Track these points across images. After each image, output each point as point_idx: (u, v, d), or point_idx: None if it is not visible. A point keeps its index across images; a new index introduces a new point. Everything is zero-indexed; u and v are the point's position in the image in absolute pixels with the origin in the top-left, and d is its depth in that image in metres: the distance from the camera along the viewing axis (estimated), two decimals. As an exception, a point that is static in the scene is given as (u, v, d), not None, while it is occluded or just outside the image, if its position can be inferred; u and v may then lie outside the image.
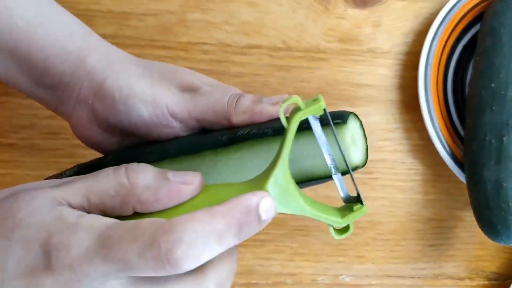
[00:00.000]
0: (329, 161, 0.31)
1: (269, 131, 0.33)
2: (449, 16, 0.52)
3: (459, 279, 0.54)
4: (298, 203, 0.29)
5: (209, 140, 0.35)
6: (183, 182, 0.29)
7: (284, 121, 0.29)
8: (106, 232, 0.26)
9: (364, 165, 0.32)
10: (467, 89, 0.53)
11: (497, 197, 0.46)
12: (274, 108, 0.35)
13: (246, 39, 0.53)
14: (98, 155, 0.46)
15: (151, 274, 0.26)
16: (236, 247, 0.29)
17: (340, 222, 0.31)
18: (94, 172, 0.30)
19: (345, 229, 0.31)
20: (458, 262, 0.54)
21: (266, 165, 0.30)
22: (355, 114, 0.33)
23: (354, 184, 0.31)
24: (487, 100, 0.48)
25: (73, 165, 0.51)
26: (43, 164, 0.51)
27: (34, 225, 0.27)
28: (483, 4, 0.53)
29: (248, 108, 0.35)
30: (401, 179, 0.54)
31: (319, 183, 0.34)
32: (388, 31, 0.54)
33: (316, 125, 0.30)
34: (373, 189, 0.53)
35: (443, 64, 0.53)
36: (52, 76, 0.38)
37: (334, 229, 0.31)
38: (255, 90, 0.53)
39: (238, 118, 0.36)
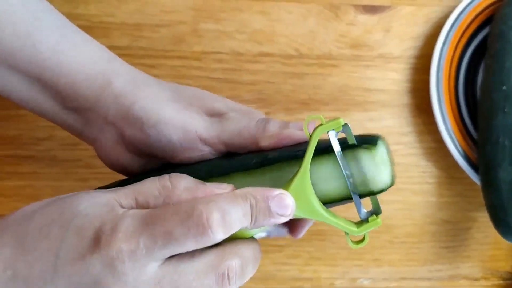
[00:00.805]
0: (348, 183, 0.33)
1: (300, 153, 0.34)
2: (459, 20, 0.53)
3: (474, 280, 0.54)
4: (317, 209, 0.33)
5: (239, 163, 0.36)
6: (218, 187, 0.32)
7: (307, 133, 0.33)
8: (149, 214, 0.30)
9: (390, 186, 0.34)
10: (478, 92, 0.53)
11: (512, 198, 0.46)
12: (301, 132, 0.36)
13: (258, 47, 0.54)
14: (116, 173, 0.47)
15: (193, 243, 0.29)
16: (256, 241, 0.33)
17: (356, 232, 0.34)
18: (143, 181, 0.33)
19: (362, 240, 0.34)
20: (473, 262, 0.54)
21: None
22: (383, 138, 0.34)
23: (375, 199, 0.34)
24: (499, 102, 0.48)
25: (92, 176, 0.52)
26: (62, 175, 0.52)
27: (90, 216, 0.30)
28: (491, 8, 0.54)
29: (275, 133, 0.36)
30: (416, 182, 0.54)
31: (338, 204, 0.36)
32: (398, 36, 0.55)
33: (335, 142, 0.33)
34: (388, 193, 0.53)
35: (454, 67, 0.53)
36: (79, 100, 0.39)
37: (351, 240, 0.34)
38: (268, 97, 0.53)
39: (265, 142, 0.36)
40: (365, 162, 0.33)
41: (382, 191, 0.34)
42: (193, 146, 0.38)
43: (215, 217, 0.29)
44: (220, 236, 0.29)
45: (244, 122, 0.37)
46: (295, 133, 0.36)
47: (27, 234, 0.31)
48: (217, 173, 0.36)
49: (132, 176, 0.40)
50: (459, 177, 0.54)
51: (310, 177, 0.32)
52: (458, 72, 0.54)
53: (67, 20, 0.40)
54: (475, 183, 0.52)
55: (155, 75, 0.52)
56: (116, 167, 0.41)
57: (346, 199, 0.34)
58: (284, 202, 0.31)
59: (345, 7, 0.54)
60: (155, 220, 0.29)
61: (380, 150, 0.33)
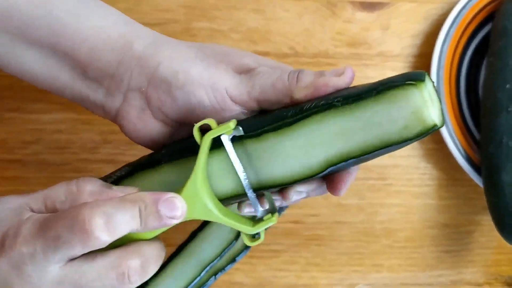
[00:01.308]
0: (242, 178, 0.33)
1: (339, 100, 0.32)
2: (460, 17, 0.52)
3: (477, 285, 0.53)
4: (211, 211, 0.33)
5: (273, 118, 0.34)
6: (122, 191, 0.34)
7: (198, 139, 0.33)
8: (45, 219, 0.31)
9: (442, 124, 0.32)
10: (480, 91, 0.52)
11: (517, 201, 0.45)
12: (339, 78, 0.34)
13: (253, 46, 0.53)
14: (111, 167, 0.45)
15: (81, 247, 0.30)
16: (158, 240, 0.34)
17: (250, 230, 0.34)
18: (53, 186, 0.35)
19: (257, 237, 0.34)
20: (476, 267, 0.53)
21: (336, 139, 0.32)
22: (428, 74, 0.32)
23: (269, 197, 0.35)
24: (503, 101, 0.47)
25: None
26: (50, 180, 0.50)
27: (1, 221, 0.32)
28: (493, 4, 0.52)
29: (310, 82, 0.34)
30: (416, 185, 0.53)
31: (239, 200, 0.36)
32: (397, 33, 0.54)
33: (228, 145, 0.33)
34: (387, 195, 0.52)
35: (455, 65, 0.52)
36: (98, 67, 0.37)
37: (248, 237, 0.34)
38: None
39: (300, 93, 0.34)
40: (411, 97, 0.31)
41: (435, 127, 0.31)
42: (224, 106, 0.35)
43: (98, 222, 0.30)
44: (105, 239, 0.30)
45: (275, 75, 0.35)
46: (332, 80, 0.34)
47: None
48: (249, 134, 0.34)
49: (162, 147, 0.38)
50: (461, 179, 0.53)
51: (210, 174, 0.34)
52: (460, 71, 0.52)
53: None
54: (477, 185, 0.51)
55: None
56: (143, 139, 0.38)
57: (242, 195, 0.34)
58: (174, 205, 0.32)
59: (342, 4, 0.53)
60: (48, 225, 0.31)
61: (428, 84, 0.31)
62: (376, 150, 0.32)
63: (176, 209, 0.32)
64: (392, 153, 0.52)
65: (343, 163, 0.32)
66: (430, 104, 0.30)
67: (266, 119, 0.34)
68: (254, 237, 0.35)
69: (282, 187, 0.35)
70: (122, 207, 0.31)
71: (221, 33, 0.52)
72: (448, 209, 0.53)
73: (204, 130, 0.34)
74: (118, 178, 0.37)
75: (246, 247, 0.47)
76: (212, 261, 0.46)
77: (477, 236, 0.53)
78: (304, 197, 0.36)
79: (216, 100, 0.35)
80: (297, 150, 0.33)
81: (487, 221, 0.53)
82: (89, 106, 0.39)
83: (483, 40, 0.52)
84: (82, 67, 0.37)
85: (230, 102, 0.35)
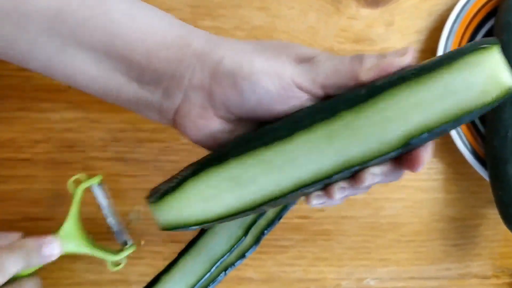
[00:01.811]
0: (105, 212, 0.45)
1: (414, 72, 0.32)
2: (463, 12, 0.52)
3: (485, 278, 0.53)
4: (81, 246, 0.44)
5: (345, 98, 0.34)
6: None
7: (71, 189, 0.44)
8: None
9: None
10: (485, 85, 0.52)
11: (523, 193, 0.45)
12: (403, 58, 0.34)
13: (259, 44, 0.53)
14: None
15: None
16: (36, 276, 0.44)
17: (114, 258, 0.45)
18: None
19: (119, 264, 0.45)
20: (483, 260, 0.53)
21: (413, 112, 0.32)
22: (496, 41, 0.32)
23: (120, 229, 0.46)
24: (507, 95, 0.47)
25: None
26: (59, 178, 0.51)
27: None
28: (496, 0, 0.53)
29: (374, 64, 0.34)
30: (422, 179, 0.53)
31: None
32: (401, 29, 0.54)
33: (98, 192, 0.45)
34: (393, 190, 0.53)
35: (459, 60, 0.52)
36: (156, 69, 0.36)
37: (111, 264, 0.45)
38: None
39: (366, 75, 0.34)
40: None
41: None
42: (290, 94, 0.35)
43: None
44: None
45: (336, 60, 0.35)
46: (395, 60, 0.34)
47: None
48: (320, 118, 0.33)
49: (216, 148, 0.38)
50: (467, 172, 0.53)
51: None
52: (464, 66, 0.52)
53: None
54: (483, 179, 0.51)
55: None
56: (203, 138, 0.38)
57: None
58: (53, 246, 0.43)
59: (346, 1, 0.53)
60: None
61: (497, 48, 0.32)
62: (456, 119, 0.32)
63: (54, 248, 0.43)
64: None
65: (423, 135, 0.32)
66: (504, 66, 0.31)
67: (340, 99, 0.34)
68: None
69: (356, 171, 0.34)
70: (11, 253, 0.40)
71: (226, 31, 0.53)
72: (454, 203, 0.53)
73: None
74: (184, 177, 0.36)
75: (256, 243, 0.47)
76: (222, 257, 0.47)
77: (483, 229, 0.53)
78: (378, 182, 0.35)
79: (282, 88, 0.35)
80: (374, 126, 0.33)
81: (493, 215, 0.53)
82: (143, 109, 0.39)
83: (486, 35, 0.53)
84: (138, 69, 0.37)
85: (296, 89, 0.36)
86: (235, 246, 0.47)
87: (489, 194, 0.50)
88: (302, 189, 0.34)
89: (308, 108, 0.36)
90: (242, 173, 0.34)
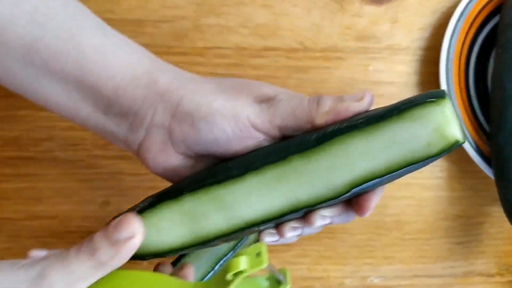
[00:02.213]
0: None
1: (363, 121, 0.33)
2: (468, 9, 0.52)
3: (489, 276, 0.53)
4: None
5: (295, 143, 0.35)
6: None
7: (230, 277, 0.31)
8: None
9: (464, 141, 0.32)
10: (489, 82, 0.52)
11: (528, 191, 0.45)
12: (360, 103, 0.35)
13: (262, 41, 0.53)
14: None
15: None
16: None
17: None
18: None
19: None
20: (487, 258, 0.53)
21: (360, 160, 0.32)
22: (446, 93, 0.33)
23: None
24: (512, 92, 0.47)
25: (94, 176, 0.51)
26: (64, 177, 0.51)
27: None
28: (501, -4, 0.52)
29: (331, 108, 0.35)
30: (426, 177, 0.53)
31: None
32: (406, 27, 0.54)
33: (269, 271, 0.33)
34: (398, 188, 0.52)
35: (464, 57, 0.52)
36: (122, 104, 0.37)
37: None
38: (273, 92, 0.52)
39: (321, 119, 0.35)
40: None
41: (458, 142, 0.32)
42: (246, 134, 0.36)
43: None
44: None
45: (296, 102, 0.36)
46: (352, 105, 0.35)
47: None
48: (271, 160, 0.34)
49: (177, 181, 0.39)
50: (471, 170, 0.53)
51: None
52: (468, 63, 0.52)
53: (103, 22, 0.39)
54: (487, 177, 0.51)
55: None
56: (165, 172, 0.39)
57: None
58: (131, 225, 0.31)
59: (350, -1, 0.53)
60: None
61: (448, 102, 0.32)
62: (400, 169, 0.32)
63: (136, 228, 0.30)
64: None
65: (368, 183, 0.32)
66: (451, 120, 0.31)
67: (290, 143, 0.35)
68: None
69: (306, 212, 0.35)
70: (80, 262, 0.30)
71: (229, 29, 0.53)
72: (458, 201, 0.53)
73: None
74: (141, 209, 0.37)
75: (259, 241, 0.47)
76: (226, 255, 0.47)
77: (487, 227, 0.53)
78: (328, 223, 0.36)
79: (238, 129, 0.36)
80: (321, 172, 0.33)
81: (497, 213, 0.53)
82: (111, 139, 0.40)
83: (491, 31, 0.52)
84: (106, 103, 0.37)
85: (253, 130, 0.36)
86: (238, 244, 0.47)
87: (493, 192, 0.50)
88: (251, 228, 0.35)
89: (262, 149, 0.36)
90: (195, 208, 0.36)
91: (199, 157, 0.38)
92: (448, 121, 0.31)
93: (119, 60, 0.37)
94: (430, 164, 0.52)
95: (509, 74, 0.48)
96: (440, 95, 0.32)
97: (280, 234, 0.36)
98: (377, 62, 0.53)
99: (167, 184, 0.51)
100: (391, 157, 0.32)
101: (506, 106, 0.47)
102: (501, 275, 0.53)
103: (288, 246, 0.51)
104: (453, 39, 0.52)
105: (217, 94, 0.37)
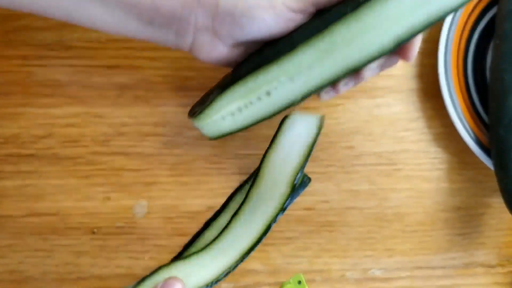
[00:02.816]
0: None
1: None
2: (466, 0, 0.51)
3: (490, 267, 0.53)
4: None
5: (334, 13, 0.38)
6: None
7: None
8: None
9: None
10: (488, 74, 0.52)
11: (528, 181, 0.45)
12: None
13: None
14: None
15: None
16: None
17: None
18: None
19: None
20: (488, 249, 0.53)
21: (401, 18, 0.37)
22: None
23: None
24: (510, 83, 0.47)
25: (94, 173, 0.51)
26: (64, 173, 0.50)
27: None
28: (499, -13, 0.52)
29: None
30: (426, 169, 0.53)
31: None
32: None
33: None
34: (397, 180, 0.52)
35: (462, 49, 0.52)
36: (163, 14, 0.40)
37: None
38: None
39: None
40: None
41: None
42: (286, 18, 0.40)
43: None
44: None
45: None
46: None
47: None
48: (316, 31, 0.39)
49: (235, 67, 0.44)
50: (471, 162, 0.53)
51: None
52: (467, 55, 0.52)
53: None
54: (487, 168, 0.51)
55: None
56: (219, 63, 0.43)
57: None
58: None
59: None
60: None
61: None
62: (438, 19, 0.37)
63: None
64: (401, 138, 0.52)
65: (410, 36, 0.37)
66: None
67: (328, 15, 0.39)
68: None
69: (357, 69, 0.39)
70: None
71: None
72: (458, 192, 0.53)
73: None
74: (212, 99, 0.43)
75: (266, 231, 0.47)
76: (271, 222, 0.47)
77: (488, 218, 0.53)
78: (377, 72, 0.43)
79: (278, 15, 0.39)
80: (366, 34, 0.38)
81: (497, 204, 0.53)
82: (163, 45, 0.43)
83: (489, 23, 0.52)
84: (149, 15, 0.40)
85: (290, 12, 0.40)
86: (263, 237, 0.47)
87: (493, 183, 0.50)
88: (313, 92, 0.41)
89: (304, 25, 0.40)
90: (256, 88, 0.42)
91: (248, 43, 0.42)
92: None
93: None
94: (430, 156, 0.53)
95: (507, 65, 0.48)
96: None
97: (336, 90, 0.43)
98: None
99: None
100: (427, 11, 0.37)
101: (505, 97, 0.47)
102: (502, 266, 0.53)
103: (290, 239, 0.51)
104: (451, 31, 0.51)
105: None
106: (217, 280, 0.44)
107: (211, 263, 0.45)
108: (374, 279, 0.52)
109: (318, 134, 0.47)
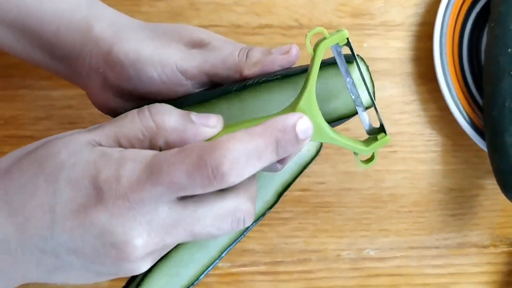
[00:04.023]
0: (352, 94, 0.33)
1: (279, 76, 0.34)
2: (461, -16, 0.52)
3: (483, 247, 0.54)
4: (326, 130, 0.31)
5: (220, 90, 0.36)
6: (207, 125, 0.32)
7: (310, 49, 0.31)
8: (153, 160, 0.29)
9: (371, 106, 0.34)
10: (483, 57, 0.53)
11: (521, 161, 0.46)
12: (285, 57, 0.36)
13: (258, 19, 0.53)
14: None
15: (199, 191, 0.28)
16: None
17: (366, 150, 0.32)
18: (119, 116, 0.32)
19: (370, 159, 0.33)
20: (481, 230, 0.54)
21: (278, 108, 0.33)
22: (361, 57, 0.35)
23: (378, 115, 0.33)
24: (505, 66, 0.47)
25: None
26: (63, 154, 0.51)
27: (80, 165, 0.29)
28: (494, -30, 0.53)
29: (259, 59, 0.36)
30: (421, 151, 0.54)
31: (343, 121, 0.36)
32: (400, 3, 0.54)
33: (339, 56, 0.32)
34: (393, 162, 0.53)
35: (457, 32, 0.52)
36: (63, 48, 0.39)
37: (361, 160, 0.33)
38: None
39: (249, 70, 0.36)
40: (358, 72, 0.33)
41: (367, 108, 0.34)
42: (175, 80, 0.37)
43: (223, 169, 0.28)
44: (232, 182, 0.28)
45: (227, 50, 0.37)
46: (280, 57, 0.36)
47: (9, 192, 0.30)
48: (199, 102, 0.36)
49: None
50: (465, 144, 0.53)
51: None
52: (462, 38, 0.53)
53: None
54: (481, 150, 0.52)
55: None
56: (108, 112, 0.41)
57: (351, 115, 0.34)
58: (305, 125, 0.30)
59: (344, -25, 0.53)
60: (160, 167, 0.28)
61: (362, 66, 0.34)
62: (337, 120, 0.35)
63: (308, 129, 0.30)
64: (396, 120, 0.53)
65: None
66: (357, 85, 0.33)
67: (216, 90, 0.37)
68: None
69: None
70: (252, 147, 0.28)
71: (225, 6, 0.53)
72: (453, 174, 0.54)
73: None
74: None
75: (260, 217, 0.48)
76: (256, 221, 0.48)
77: (481, 199, 0.54)
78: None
79: (165, 75, 0.37)
80: (246, 116, 0.35)
81: (491, 185, 0.54)
82: (64, 78, 0.42)
83: (484, 6, 0.53)
84: (50, 47, 0.39)
85: (181, 77, 0.37)
86: (266, 212, 0.48)
87: (487, 165, 0.51)
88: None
89: (191, 94, 0.38)
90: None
91: (136, 99, 0.39)
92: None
93: (56, 6, 0.39)
94: (425, 139, 0.54)
95: (501, 47, 0.48)
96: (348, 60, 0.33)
97: None
98: (371, 39, 0.54)
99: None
100: (329, 108, 0.34)
101: (498, 79, 0.48)
102: (495, 246, 0.54)
103: (286, 220, 0.52)
104: (447, 14, 0.52)
105: (148, 41, 0.38)
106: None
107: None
108: (369, 258, 0.53)
109: (315, 156, 0.46)
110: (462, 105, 0.51)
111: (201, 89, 0.38)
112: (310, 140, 0.31)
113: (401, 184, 0.53)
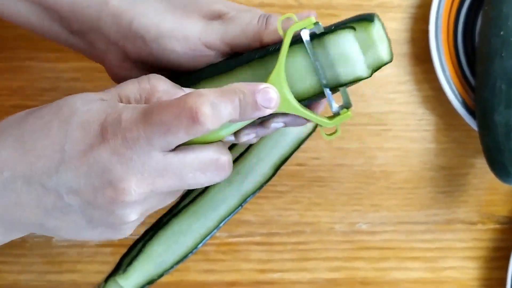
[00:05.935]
0: (320, 75, 0.36)
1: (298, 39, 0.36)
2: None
3: (471, 224, 0.55)
4: (293, 103, 0.35)
5: (242, 59, 0.38)
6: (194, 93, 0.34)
7: (281, 32, 0.36)
8: (148, 107, 0.32)
9: (391, 60, 0.38)
10: (477, 39, 0.54)
11: (507, 140, 0.47)
12: (303, 23, 0.37)
13: (258, -2, 0.54)
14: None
15: (184, 134, 0.31)
16: None
17: (329, 123, 0.37)
18: (123, 82, 0.36)
19: (335, 132, 0.37)
20: (470, 207, 0.55)
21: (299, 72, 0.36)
22: (377, 15, 0.37)
23: (345, 94, 0.37)
24: (497, 47, 0.49)
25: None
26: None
27: (92, 111, 0.33)
28: (491, -45, 0.54)
29: (278, 27, 0.37)
30: (413, 130, 0.55)
31: (315, 101, 0.39)
32: (398, -17, 0.55)
33: (305, 35, 0.35)
34: (386, 140, 0.55)
35: (453, 15, 0.54)
36: (80, 22, 0.40)
37: (325, 133, 0.37)
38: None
39: (269, 38, 0.37)
40: (361, 36, 0.36)
41: (386, 63, 0.38)
42: (198, 52, 0.39)
43: (205, 110, 0.31)
44: (209, 127, 0.31)
45: (246, 20, 0.38)
46: (297, 24, 0.37)
47: (24, 135, 0.33)
48: (221, 71, 0.38)
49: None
50: (457, 123, 0.55)
51: (285, 74, 0.35)
52: (457, 21, 0.54)
53: None
54: (472, 130, 0.53)
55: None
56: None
57: (317, 94, 0.37)
58: (269, 96, 0.33)
59: (344, -44, 0.55)
60: (152, 112, 0.31)
61: (377, 24, 0.37)
62: (306, 99, 0.37)
63: (271, 99, 0.33)
64: (390, 100, 0.55)
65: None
66: (379, 43, 0.36)
67: (238, 58, 0.38)
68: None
69: (262, 120, 0.38)
70: (225, 97, 0.32)
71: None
72: (443, 152, 0.55)
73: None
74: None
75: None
76: (253, 193, 0.52)
77: (470, 178, 0.55)
78: (279, 127, 0.40)
79: (189, 48, 0.38)
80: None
81: (480, 164, 0.55)
82: (82, 53, 0.43)
83: (480, -10, 0.54)
84: (67, 21, 0.40)
85: (204, 48, 0.38)
86: (264, 185, 0.53)
87: (477, 144, 0.52)
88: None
89: (214, 64, 0.39)
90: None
91: (159, 71, 0.39)
92: (374, 42, 0.36)
93: None
94: (418, 118, 0.55)
95: (494, 29, 0.49)
96: (369, 18, 0.36)
97: (238, 138, 0.38)
98: (369, 19, 0.55)
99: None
100: (296, 86, 0.36)
101: (491, 60, 0.49)
102: (483, 223, 0.55)
103: (281, 193, 0.54)
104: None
105: (168, 14, 0.39)
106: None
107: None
108: (360, 232, 0.55)
109: (312, 132, 0.50)
110: (455, 86, 0.53)
111: (223, 59, 0.39)
112: (278, 111, 0.35)
113: (393, 161, 0.55)
